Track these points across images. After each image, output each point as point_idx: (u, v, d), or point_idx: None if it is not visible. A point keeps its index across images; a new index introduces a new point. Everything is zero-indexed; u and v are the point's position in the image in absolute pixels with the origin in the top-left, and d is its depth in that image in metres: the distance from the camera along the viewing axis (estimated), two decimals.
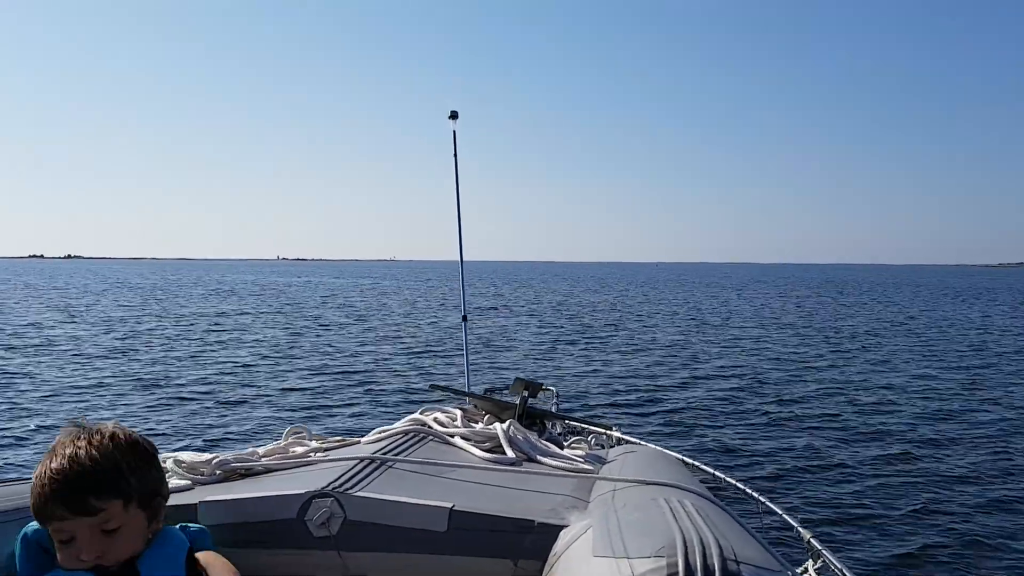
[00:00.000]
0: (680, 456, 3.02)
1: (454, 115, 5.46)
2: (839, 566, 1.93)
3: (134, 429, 1.53)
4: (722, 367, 14.44)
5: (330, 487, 1.84)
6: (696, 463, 3.02)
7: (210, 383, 11.86)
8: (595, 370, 13.92)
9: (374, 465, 2.10)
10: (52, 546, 1.42)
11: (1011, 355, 16.87)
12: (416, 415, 2.93)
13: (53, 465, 1.39)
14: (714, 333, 21.61)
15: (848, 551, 5.22)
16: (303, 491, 1.82)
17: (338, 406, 10.25)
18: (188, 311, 28.14)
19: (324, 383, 12.04)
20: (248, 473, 2.24)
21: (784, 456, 7.76)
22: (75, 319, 23.87)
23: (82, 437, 1.43)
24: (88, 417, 1.65)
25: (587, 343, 18.58)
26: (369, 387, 11.77)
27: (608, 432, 3.61)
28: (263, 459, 2.34)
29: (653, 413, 9.99)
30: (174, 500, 1.91)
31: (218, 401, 10.43)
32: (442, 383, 4.88)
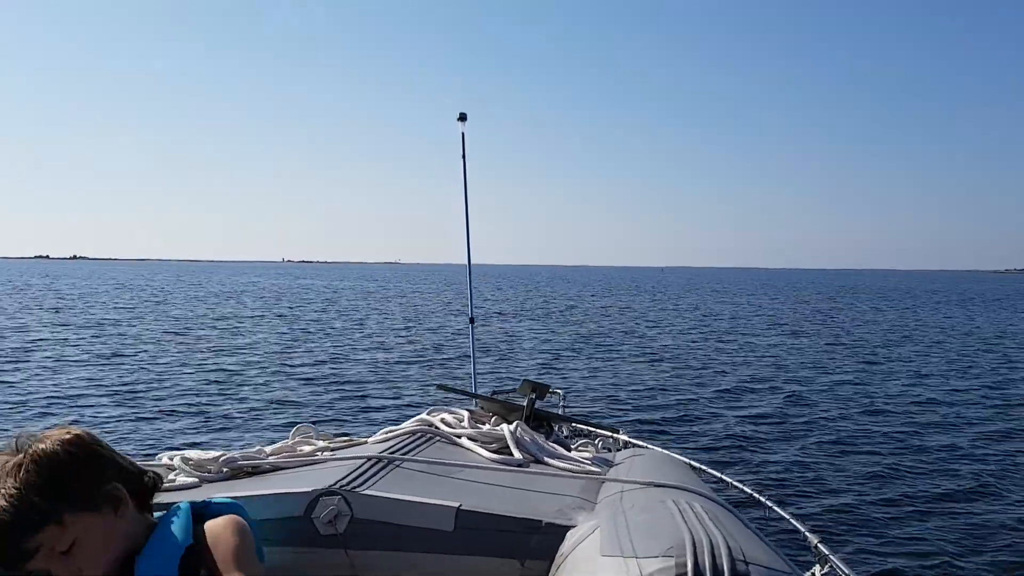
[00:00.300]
0: (687, 459, 3.01)
1: (463, 117, 5.40)
2: (846, 571, 1.92)
3: (65, 428, 1.45)
4: (730, 372, 14.40)
5: (337, 485, 1.84)
6: (703, 467, 3.01)
7: (218, 383, 11.90)
8: (602, 373, 13.90)
9: (381, 464, 2.10)
10: None
11: None
12: (423, 415, 2.93)
13: None
14: (722, 338, 21.55)
15: (855, 556, 5.19)
16: (310, 489, 1.83)
17: (345, 406, 10.27)
18: (195, 312, 28.24)
19: (331, 383, 12.06)
20: (255, 471, 2.25)
21: (791, 460, 7.73)
22: (81, 320, 24.00)
23: None
24: (65, 421, 1.59)
25: (594, 347, 18.55)
26: (376, 388, 11.78)
27: (614, 435, 3.60)
28: (270, 457, 2.35)
29: (659, 417, 9.96)
30: (181, 497, 1.92)
31: (226, 400, 10.46)
32: (449, 384, 4.88)
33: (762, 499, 2.70)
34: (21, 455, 1.38)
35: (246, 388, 11.51)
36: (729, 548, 1.26)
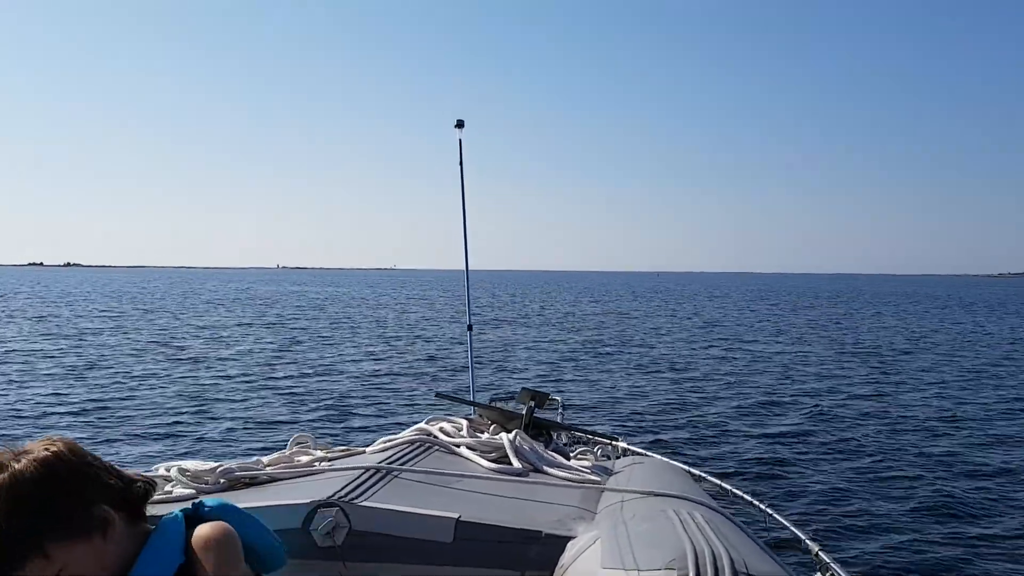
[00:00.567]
0: (686, 467, 3.00)
1: (460, 124, 5.38)
2: None
3: (48, 444, 1.34)
4: (729, 379, 14.39)
5: (335, 497, 1.82)
6: (703, 474, 3.00)
7: (215, 392, 11.86)
8: (601, 381, 13.89)
9: (379, 475, 2.08)
10: None
11: None
12: (422, 424, 2.92)
13: None
14: (721, 344, 21.55)
15: (856, 563, 5.17)
16: (308, 500, 1.81)
17: (343, 415, 10.24)
18: (192, 321, 28.19)
19: (329, 392, 12.03)
20: (253, 482, 2.23)
21: (792, 467, 7.71)
22: (74, 327, 23.94)
23: None
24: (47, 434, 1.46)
25: (593, 354, 18.54)
26: (374, 396, 11.75)
27: (614, 443, 3.59)
28: (268, 468, 2.34)
29: (659, 424, 9.95)
30: (179, 509, 1.90)
31: (223, 410, 10.42)
32: (448, 392, 4.85)
33: (762, 506, 2.68)
34: None
35: (243, 398, 11.48)
36: (731, 558, 1.25)
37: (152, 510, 2.01)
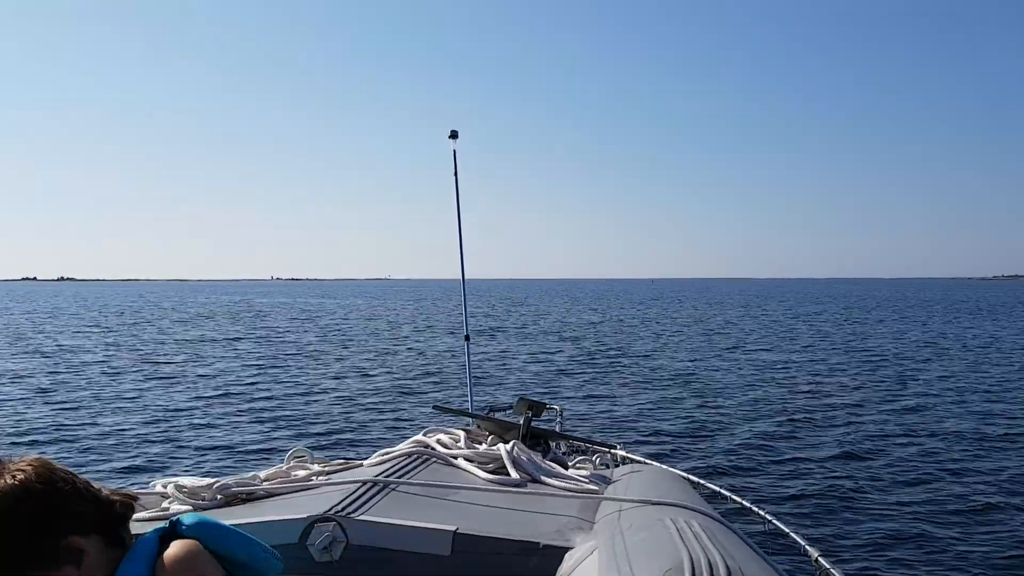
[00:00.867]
0: (684, 474, 2.99)
1: (454, 135, 5.39)
2: None
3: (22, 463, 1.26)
4: (726, 385, 14.39)
5: (332, 511, 1.82)
6: (701, 481, 3.00)
7: (211, 407, 11.81)
8: (598, 389, 13.88)
9: (377, 488, 2.08)
10: None
11: None
12: (419, 436, 2.91)
13: None
14: (719, 351, 21.57)
15: (855, 569, 5.16)
16: (305, 515, 1.81)
17: (341, 429, 10.20)
18: (183, 335, 28.11)
19: (326, 405, 11.99)
20: (250, 497, 2.23)
21: (791, 472, 7.70)
22: (70, 340, 23.85)
23: None
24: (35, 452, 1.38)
25: (590, 362, 18.53)
26: (372, 409, 11.72)
27: (612, 451, 3.58)
28: (265, 483, 2.33)
29: (657, 431, 9.93)
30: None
31: (219, 425, 10.38)
32: (445, 404, 4.85)
33: (761, 512, 2.68)
34: None
35: (240, 413, 11.43)
36: (727, 567, 1.25)
37: (149, 527, 2.00)
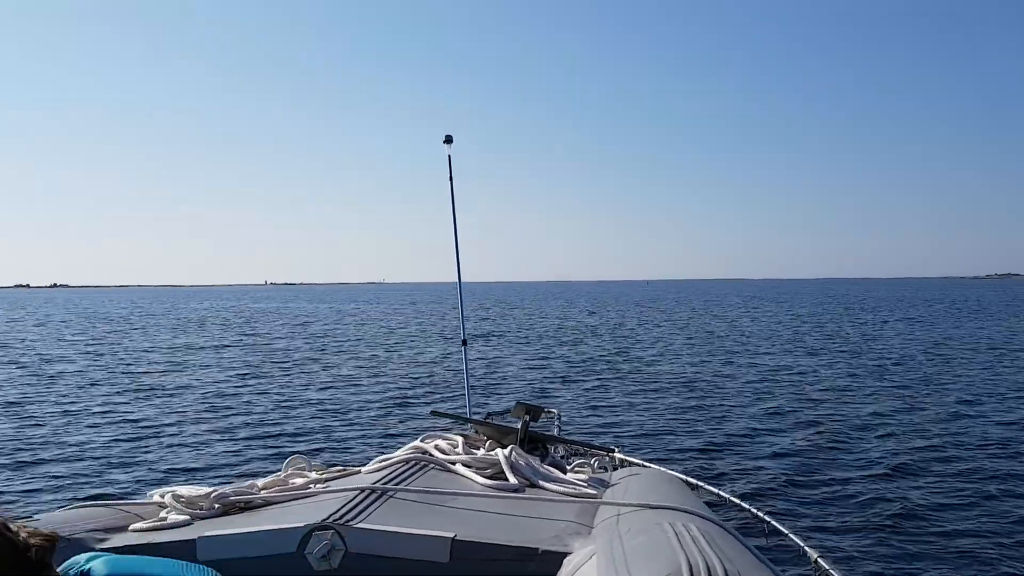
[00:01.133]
0: (683, 476, 3.00)
1: (449, 139, 5.42)
2: None
3: None
4: (724, 386, 14.40)
5: (330, 519, 1.82)
6: (699, 483, 3.00)
7: (208, 415, 11.78)
8: (597, 391, 13.87)
9: (375, 495, 2.08)
10: None
11: None
12: (417, 443, 2.91)
13: None
14: (717, 353, 21.58)
15: (855, 570, 5.16)
16: (303, 524, 1.80)
17: (338, 435, 10.18)
18: (177, 342, 28.03)
19: (324, 412, 11.97)
20: (248, 506, 2.22)
21: (790, 474, 7.70)
22: (69, 350, 23.78)
23: None
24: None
25: (588, 365, 18.53)
26: (370, 415, 11.70)
27: (611, 454, 3.58)
28: (262, 492, 2.32)
29: (656, 433, 9.93)
30: (173, 536, 1.89)
31: (216, 434, 10.35)
32: (443, 409, 4.84)
33: (760, 514, 2.69)
34: None
35: (237, 420, 11.40)
36: (725, 571, 1.25)
37: (147, 538, 1.99)
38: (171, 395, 14.04)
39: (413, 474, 2.43)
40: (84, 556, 1.32)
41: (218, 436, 10.14)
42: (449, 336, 28.93)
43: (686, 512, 1.83)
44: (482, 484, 2.40)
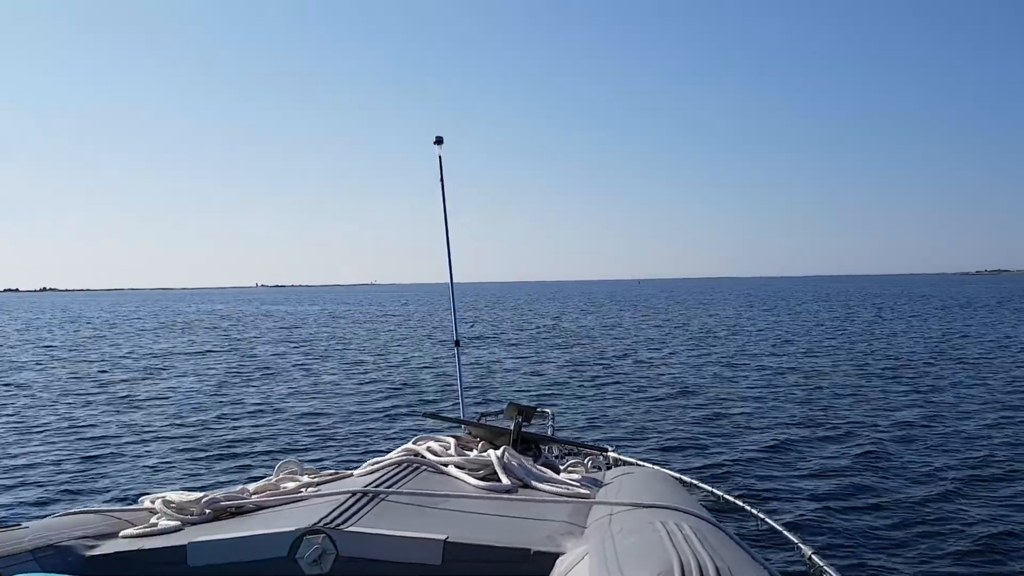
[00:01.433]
0: (677, 475, 3.00)
1: (439, 140, 5.43)
2: None
3: None
4: (718, 384, 14.44)
5: (321, 523, 1.81)
6: (693, 481, 3.00)
7: (199, 419, 11.72)
8: (590, 391, 13.88)
9: (366, 499, 2.07)
10: None
11: None
12: (409, 445, 2.90)
13: None
14: (710, 351, 21.63)
15: (850, 567, 5.17)
16: (293, 528, 1.79)
17: (330, 438, 10.15)
18: (169, 345, 27.90)
19: (315, 415, 11.93)
20: (239, 511, 2.21)
21: (785, 471, 7.73)
22: (53, 354, 23.63)
23: None
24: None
25: (581, 365, 18.54)
26: (361, 418, 11.66)
27: (604, 453, 3.58)
28: (254, 496, 2.31)
29: (649, 432, 9.94)
30: (162, 542, 1.87)
31: (207, 438, 10.30)
32: (435, 411, 4.85)
33: (754, 511, 2.69)
34: None
35: (228, 424, 11.35)
36: (717, 569, 1.24)
37: (138, 544, 1.98)
38: (159, 400, 13.96)
39: (405, 476, 2.43)
40: None
41: (208, 441, 10.08)
42: (441, 337, 28.90)
43: (679, 511, 1.83)
44: (474, 485, 2.39)
